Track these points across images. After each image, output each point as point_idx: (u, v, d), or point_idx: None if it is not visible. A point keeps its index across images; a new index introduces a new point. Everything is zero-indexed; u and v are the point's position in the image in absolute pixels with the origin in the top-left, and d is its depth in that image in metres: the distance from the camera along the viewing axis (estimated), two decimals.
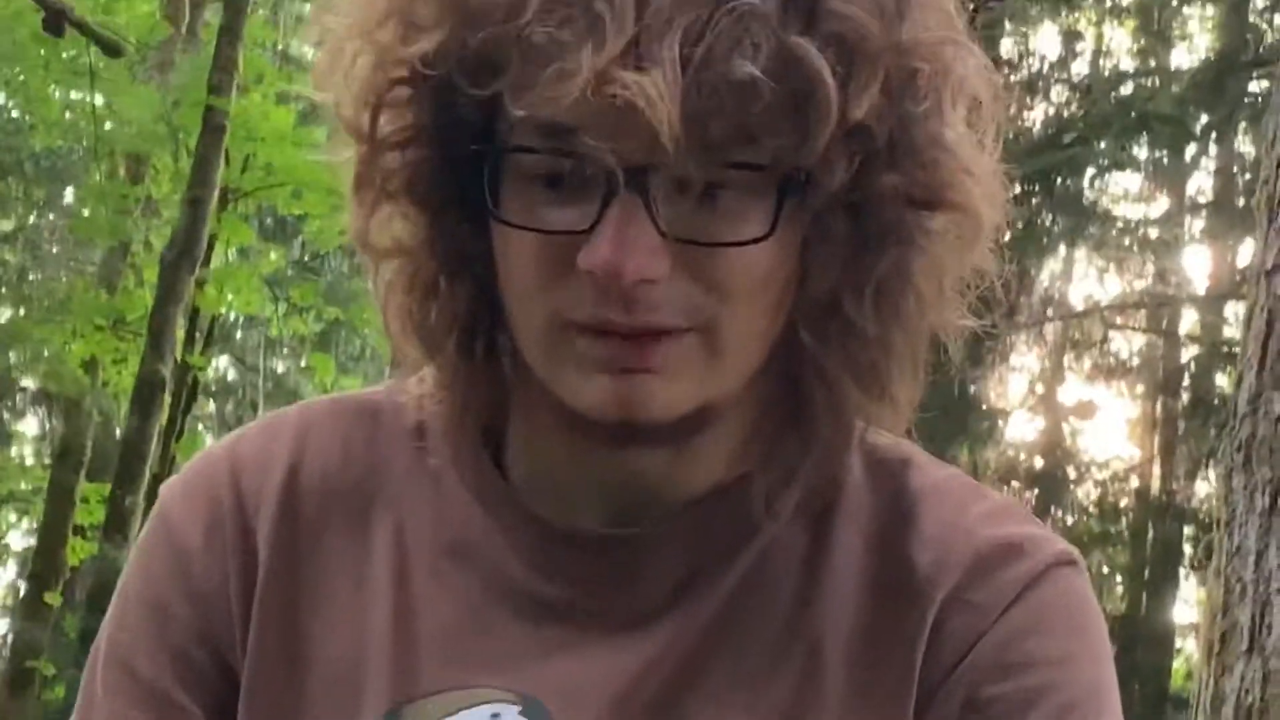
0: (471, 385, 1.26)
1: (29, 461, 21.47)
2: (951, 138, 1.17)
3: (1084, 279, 15.96)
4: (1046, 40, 15.19)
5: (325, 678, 1.27)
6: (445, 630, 1.26)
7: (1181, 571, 16.16)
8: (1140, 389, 17.07)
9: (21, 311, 17.73)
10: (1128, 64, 15.72)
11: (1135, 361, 16.73)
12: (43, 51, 13.57)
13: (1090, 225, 13.23)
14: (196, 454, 1.40)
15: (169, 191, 15.64)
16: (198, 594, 1.30)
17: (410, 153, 1.19)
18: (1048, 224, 12.43)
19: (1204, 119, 12.38)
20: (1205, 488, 14.60)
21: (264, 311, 16.94)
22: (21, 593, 17.52)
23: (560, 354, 1.16)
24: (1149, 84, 13.43)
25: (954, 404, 11.74)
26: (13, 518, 22.56)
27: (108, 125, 14.46)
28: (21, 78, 14.70)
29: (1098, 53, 16.08)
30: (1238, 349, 4.33)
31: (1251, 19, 13.21)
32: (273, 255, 16.82)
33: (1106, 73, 15.04)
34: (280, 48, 18.34)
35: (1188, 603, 16.82)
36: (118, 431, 15.23)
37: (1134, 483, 16.40)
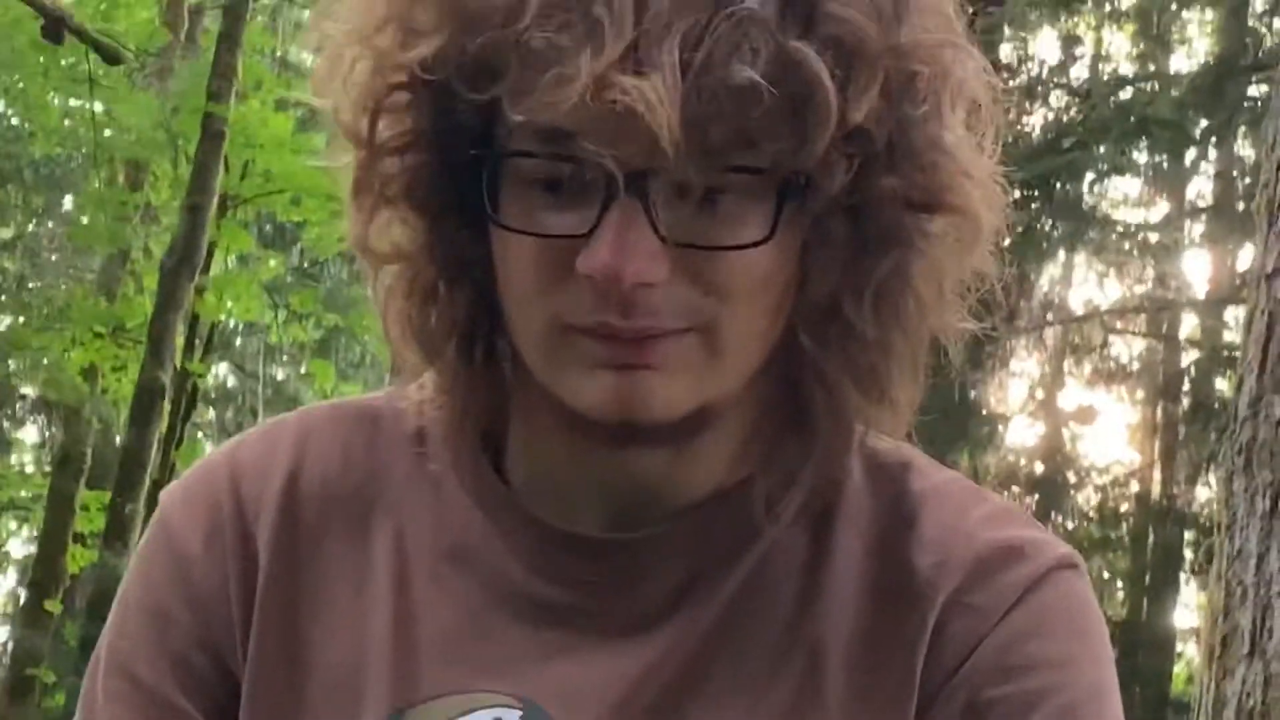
0: (471, 390, 1.26)
1: (29, 469, 21.49)
2: (951, 140, 1.17)
3: (1084, 284, 15.97)
4: (1046, 45, 15.20)
5: (325, 683, 1.27)
6: (445, 635, 1.26)
7: (1182, 576, 16.16)
8: (1140, 394, 17.07)
9: (21, 319, 17.72)
10: (1127, 68, 15.71)
11: (1135, 366, 16.73)
12: (42, 59, 13.59)
13: (1090, 230, 13.23)
14: (196, 461, 1.40)
15: (168, 198, 15.67)
16: (198, 600, 1.30)
17: (409, 158, 1.19)
18: (1047, 229, 12.43)
19: (1203, 123, 12.38)
20: (1206, 492, 14.59)
21: (264, 318, 16.97)
22: (22, 600, 17.54)
23: (560, 356, 1.16)
24: (1148, 88, 13.43)
25: (954, 409, 11.74)
26: (13, 525, 22.57)
27: (107, 132, 14.48)
28: (20, 85, 14.72)
29: (1097, 57, 16.09)
30: (1238, 353, 4.33)
31: (1251, 23, 13.21)
32: (272, 262, 16.82)
33: (1106, 77, 15.05)
34: (279, 54, 18.35)
35: (1189, 607, 16.83)
36: (118, 439, 15.25)
37: (1134, 488, 16.40)
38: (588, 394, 1.15)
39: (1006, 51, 13.12)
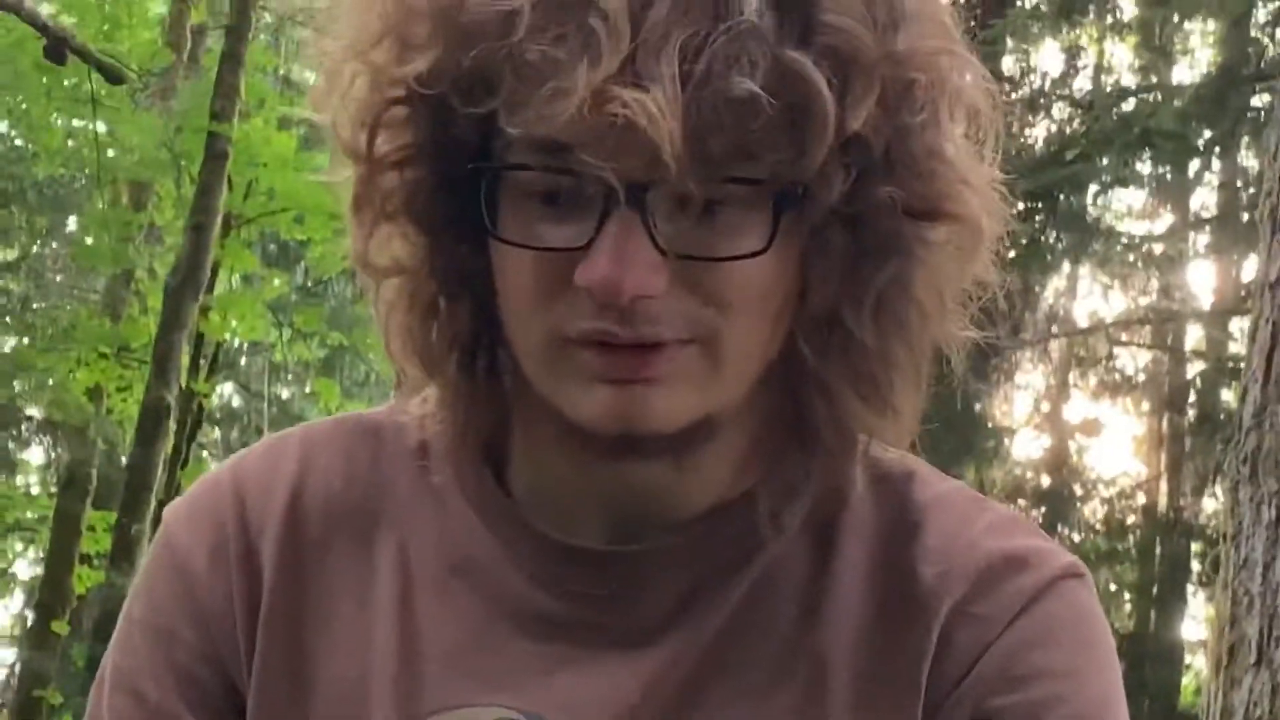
0: (473, 403, 1.26)
1: (35, 490, 21.47)
2: (949, 148, 1.17)
3: (1088, 296, 15.93)
4: (1048, 57, 15.18)
5: (330, 697, 1.27)
6: (449, 648, 1.26)
7: (1190, 588, 16.12)
8: (1146, 405, 17.04)
9: (26, 340, 17.74)
10: (1129, 80, 15.70)
11: (1141, 378, 16.70)
12: (44, 80, 13.59)
13: (1094, 242, 13.20)
14: (200, 477, 1.40)
15: (172, 218, 15.69)
16: (203, 616, 1.30)
17: (408, 172, 1.19)
18: (1051, 241, 12.40)
19: (1207, 134, 12.36)
20: (1213, 504, 14.56)
21: (268, 337, 16.96)
22: (29, 622, 17.53)
23: (560, 369, 1.16)
24: (1151, 100, 13.41)
25: (960, 422, 11.70)
26: (19, 547, 22.54)
27: (110, 153, 14.47)
28: (24, 106, 14.72)
29: (1099, 69, 16.07)
30: (1243, 364, 4.33)
31: (1253, 33, 13.19)
32: (276, 281, 16.81)
33: (1108, 89, 15.03)
34: (282, 73, 18.36)
35: (1196, 619, 16.78)
36: (123, 459, 15.24)
37: (1141, 499, 16.37)
38: (587, 406, 1.15)
39: (1009, 64, 13.11)
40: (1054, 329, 14.49)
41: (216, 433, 22.01)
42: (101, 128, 14.12)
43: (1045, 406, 15.95)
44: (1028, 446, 16.01)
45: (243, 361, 21.48)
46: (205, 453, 18.92)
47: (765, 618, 1.25)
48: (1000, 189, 1.22)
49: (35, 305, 19.03)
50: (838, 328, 1.18)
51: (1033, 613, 1.23)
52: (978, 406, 12.87)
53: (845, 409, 1.22)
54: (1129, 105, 13.46)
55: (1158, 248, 14.46)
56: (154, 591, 1.33)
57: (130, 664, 1.32)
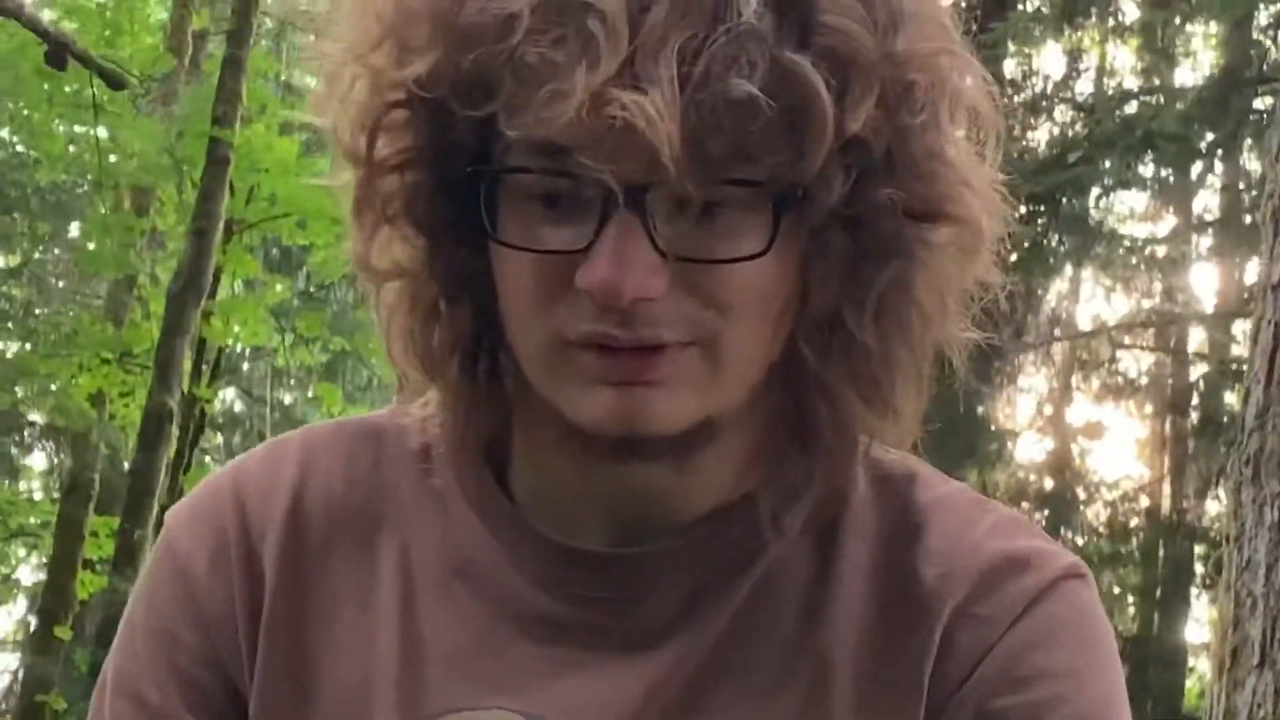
0: (474, 406, 1.26)
1: (37, 496, 21.48)
2: (950, 150, 1.17)
3: (1091, 298, 15.95)
4: (1050, 60, 15.19)
5: (333, 701, 1.27)
6: (452, 651, 1.26)
7: (1193, 591, 16.11)
8: (1149, 408, 17.05)
9: (28, 346, 17.73)
10: (1131, 82, 15.70)
11: (1143, 381, 16.71)
12: (46, 86, 13.59)
13: (1096, 244, 13.20)
14: (201, 481, 1.40)
15: (174, 224, 15.68)
16: (204, 620, 1.30)
17: (408, 175, 1.19)
18: (1054, 244, 12.40)
19: (1209, 136, 12.36)
20: (1216, 506, 14.57)
21: (270, 343, 16.95)
22: (32, 627, 17.52)
23: (561, 371, 1.16)
24: (1153, 102, 13.40)
25: (963, 425, 11.71)
26: (22, 552, 22.54)
27: (112, 158, 14.46)
28: (25, 112, 14.72)
29: (1101, 71, 16.08)
30: (1246, 366, 4.33)
31: (1255, 36, 13.18)
32: (278, 286, 16.80)
33: (1110, 92, 15.03)
34: (283, 79, 18.37)
35: (1200, 622, 16.78)
36: (126, 464, 15.24)
37: (1144, 502, 16.38)
38: (588, 409, 1.15)
39: (1011, 67, 13.12)
40: (1057, 332, 14.51)
41: (219, 438, 22.01)
42: (103, 133, 14.13)
43: (1048, 409, 15.97)
44: (1030, 449, 16.03)
45: (245, 366, 21.50)
46: (208, 458, 18.90)
47: (767, 620, 1.25)
48: (1001, 190, 1.21)
49: (38, 311, 19.03)
50: (839, 330, 1.18)
51: (1035, 613, 1.23)
52: (980, 409, 12.87)
53: (847, 411, 1.21)
54: (1131, 108, 13.47)
55: (1160, 250, 14.46)
56: (155, 596, 1.33)
57: (132, 668, 1.32)
